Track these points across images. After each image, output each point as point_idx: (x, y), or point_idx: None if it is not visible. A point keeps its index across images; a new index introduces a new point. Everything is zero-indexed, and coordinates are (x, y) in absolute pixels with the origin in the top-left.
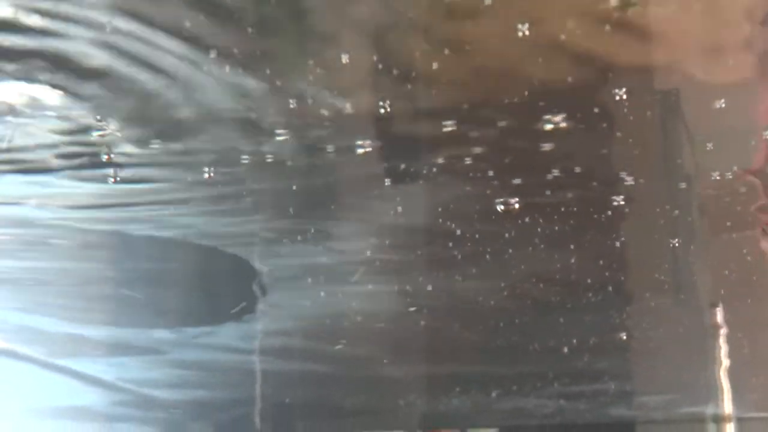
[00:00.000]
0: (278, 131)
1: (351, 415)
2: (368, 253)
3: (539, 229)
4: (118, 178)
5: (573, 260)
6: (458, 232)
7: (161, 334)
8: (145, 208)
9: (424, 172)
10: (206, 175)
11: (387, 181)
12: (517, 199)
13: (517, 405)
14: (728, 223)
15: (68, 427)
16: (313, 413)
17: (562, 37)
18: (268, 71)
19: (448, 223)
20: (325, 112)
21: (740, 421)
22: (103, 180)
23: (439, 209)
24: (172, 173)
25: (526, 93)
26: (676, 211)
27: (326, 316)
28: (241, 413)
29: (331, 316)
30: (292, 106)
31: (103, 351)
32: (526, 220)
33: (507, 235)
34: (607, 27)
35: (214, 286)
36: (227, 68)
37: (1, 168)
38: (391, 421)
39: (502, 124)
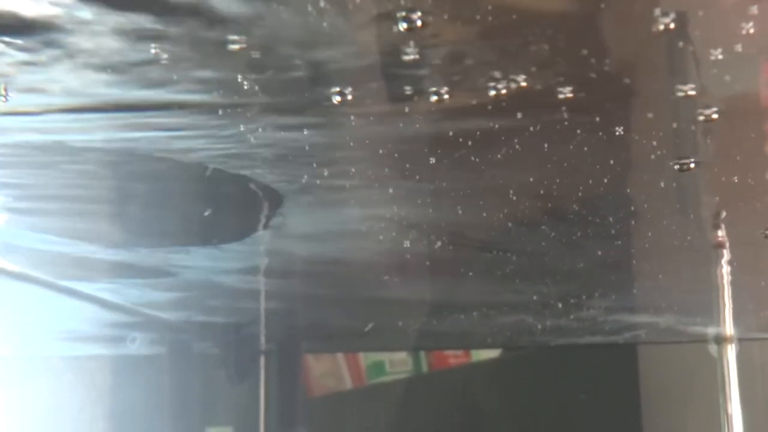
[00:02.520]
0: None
1: (354, 335)
2: (369, 172)
3: (544, 150)
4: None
5: (575, 180)
6: (464, 157)
7: (166, 255)
8: (149, 129)
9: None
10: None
11: (392, 102)
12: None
13: (520, 326)
14: (733, 146)
15: (74, 348)
16: (317, 333)
17: None
18: None
19: (453, 150)
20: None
21: (741, 341)
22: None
23: (449, 132)
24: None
25: None
26: (680, 133)
27: (330, 237)
28: (245, 334)
29: (335, 238)
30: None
31: (108, 272)
32: (528, 140)
33: (510, 152)
34: None
35: (219, 206)
36: None
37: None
38: (394, 342)
39: None
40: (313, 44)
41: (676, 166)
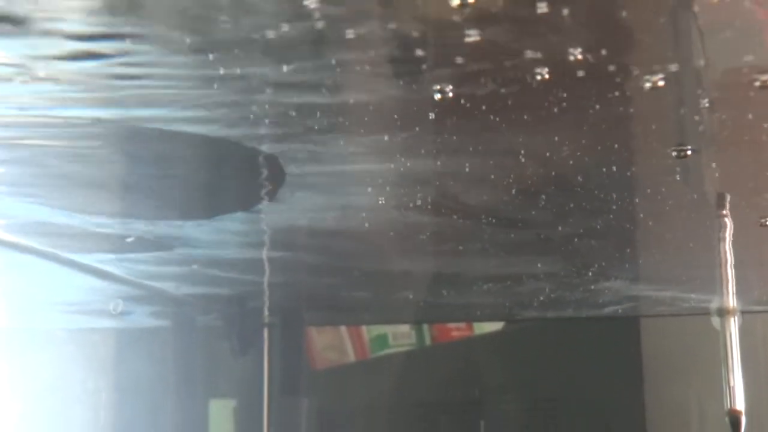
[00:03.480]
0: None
1: (358, 307)
2: (373, 142)
3: (552, 114)
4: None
5: (578, 143)
6: (470, 122)
7: (169, 228)
8: (154, 101)
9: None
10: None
11: (396, 70)
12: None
13: (523, 299)
14: (738, 119)
15: (77, 321)
16: (321, 306)
17: None
18: None
19: (460, 116)
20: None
21: (744, 314)
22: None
23: (455, 97)
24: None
25: None
26: (683, 106)
27: (333, 209)
28: (248, 306)
29: (338, 209)
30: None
31: (111, 245)
32: (536, 104)
33: (517, 117)
34: None
35: (223, 179)
36: None
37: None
38: (397, 314)
39: None
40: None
41: (674, 153)
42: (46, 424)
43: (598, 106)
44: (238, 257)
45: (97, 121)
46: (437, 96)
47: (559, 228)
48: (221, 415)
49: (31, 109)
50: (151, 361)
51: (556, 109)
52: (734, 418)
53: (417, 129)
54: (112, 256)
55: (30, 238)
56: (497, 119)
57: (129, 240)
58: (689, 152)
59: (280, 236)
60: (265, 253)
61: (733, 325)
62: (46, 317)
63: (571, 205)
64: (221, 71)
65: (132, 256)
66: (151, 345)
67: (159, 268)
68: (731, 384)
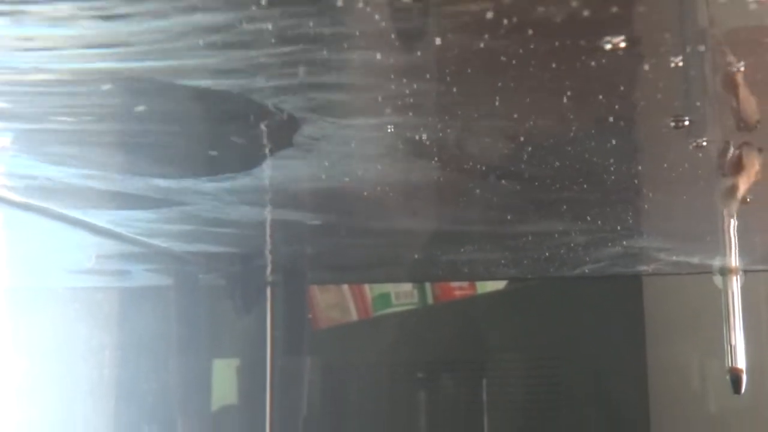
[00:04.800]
0: None
1: (361, 266)
2: (379, 99)
3: (558, 68)
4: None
5: (580, 102)
6: (475, 72)
7: (172, 185)
8: (158, 54)
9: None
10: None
11: (399, 36)
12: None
13: (525, 259)
14: (741, 68)
15: (80, 280)
16: (324, 265)
17: None
18: None
19: (466, 65)
20: None
21: (747, 273)
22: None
23: (462, 45)
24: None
25: None
26: (683, 56)
27: (338, 167)
28: (251, 265)
29: (344, 167)
30: None
31: (114, 203)
32: (531, 68)
33: (514, 85)
34: None
35: (226, 136)
36: None
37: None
38: (401, 273)
39: None
40: None
41: (672, 123)
42: (51, 382)
43: (604, 61)
44: (241, 215)
45: (98, 76)
46: (438, 41)
47: (562, 186)
48: (224, 374)
49: (30, 64)
50: (154, 320)
51: (561, 65)
52: (735, 376)
53: (422, 82)
54: (114, 214)
55: (32, 196)
56: (503, 71)
57: (130, 198)
58: (686, 122)
59: (282, 194)
60: (267, 212)
61: (736, 284)
62: (49, 276)
63: (575, 164)
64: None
65: (134, 214)
66: (155, 304)
67: (161, 226)
68: (732, 343)
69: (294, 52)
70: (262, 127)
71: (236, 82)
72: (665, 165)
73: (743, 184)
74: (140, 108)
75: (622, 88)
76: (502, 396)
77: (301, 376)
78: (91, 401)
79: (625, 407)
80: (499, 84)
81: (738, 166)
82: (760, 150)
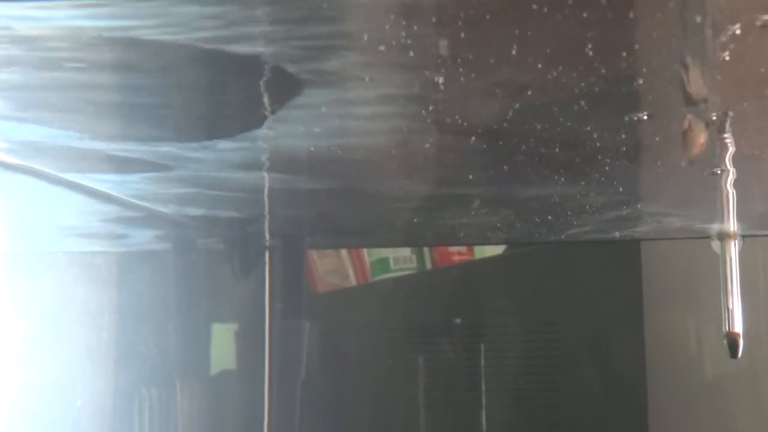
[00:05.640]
0: None
1: (358, 231)
2: (375, 55)
3: (552, 36)
4: None
5: (602, 56)
6: (476, 30)
7: (169, 149)
8: (154, 11)
9: None
10: None
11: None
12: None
13: (524, 224)
14: (741, 39)
15: (76, 244)
16: (322, 229)
17: None
18: None
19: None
20: None
21: (745, 238)
22: None
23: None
24: None
25: None
26: (684, 27)
27: (335, 130)
28: (250, 229)
29: (342, 130)
30: None
31: (111, 166)
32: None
33: (514, 49)
34: None
35: (224, 98)
36: None
37: None
38: (398, 238)
39: None
40: None
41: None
42: (50, 346)
43: (610, 15)
44: (239, 179)
45: (93, 34)
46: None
47: (560, 149)
48: (223, 338)
49: (25, 23)
50: (152, 285)
51: (559, 16)
52: (732, 341)
53: (419, 39)
54: (111, 177)
55: (30, 160)
56: (502, 27)
57: (128, 161)
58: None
59: (280, 158)
60: (265, 176)
61: (734, 249)
62: (47, 241)
63: (573, 125)
64: None
65: (132, 177)
66: (153, 268)
67: (159, 190)
68: (730, 307)
69: (292, 7)
70: (260, 88)
71: (234, 42)
72: (665, 127)
73: (687, 153)
74: (136, 69)
75: (637, 46)
76: (500, 361)
77: (300, 341)
78: (90, 365)
79: (623, 372)
80: (517, 32)
81: (685, 136)
82: (707, 124)
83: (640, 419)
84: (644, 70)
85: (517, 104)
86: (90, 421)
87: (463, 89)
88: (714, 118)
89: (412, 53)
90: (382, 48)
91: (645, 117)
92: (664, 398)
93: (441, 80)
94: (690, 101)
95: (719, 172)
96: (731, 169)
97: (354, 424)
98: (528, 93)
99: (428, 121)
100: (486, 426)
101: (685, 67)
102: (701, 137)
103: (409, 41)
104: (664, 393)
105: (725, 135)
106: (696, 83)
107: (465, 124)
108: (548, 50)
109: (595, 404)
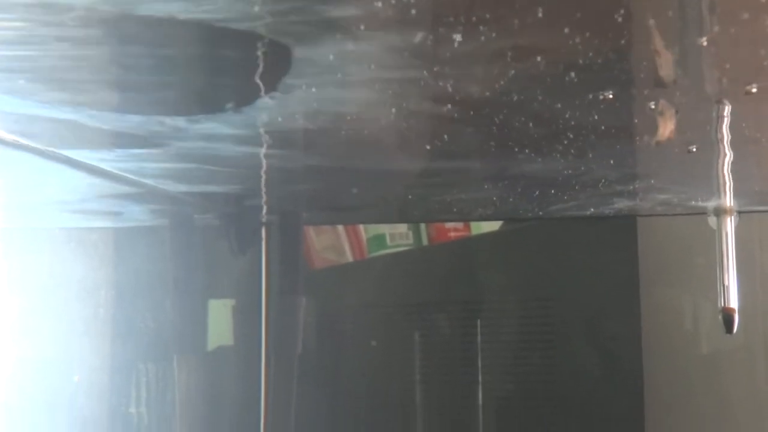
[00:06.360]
0: None
1: (355, 206)
2: (372, 26)
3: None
4: None
5: (577, 28)
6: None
7: (165, 124)
8: None
9: None
10: None
11: None
12: None
13: (521, 199)
14: (739, 15)
15: (72, 219)
16: (318, 205)
17: None
18: None
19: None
20: None
21: (741, 214)
22: None
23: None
24: None
25: None
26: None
27: (332, 106)
28: (246, 205)
29: (338, 107)
30: None
31: (106, 141)
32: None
33: (515, 23)
34: None
35: (220, 72)
36: None
37: None
38: (395, 214)
39: None
40: None
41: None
42: (47, 322)
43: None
44: (235, 154)
45: (91, 8)
46: None
47: (556, 124)
48: (220, 314)
49: None
50: (149, 260)
51: None
52: (728, 316)
53: (419, 13)
54: (108, 153)
55: (26, 136)
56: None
57: (124, 136)
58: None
59: (277, 134)
60: (262, 151)
61: (730, 225)
62: (44, 217)
63: (569, 100)
64: None
65: (129, 152)
66: (150, 244)
67: (155, 165)
68: (726, 283)
69: None
70: (256, 63)
71: (230, 15)
72: (662, 102)
73: (660, 135)
74: (131, 42)
75: (616, 18)
76: (496, 336)
77: (297, 317)
78: (87, 340)
79: (619, 347)
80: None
81: (657, 120)
82: (676, 111)
83: (635, 394)
84: (643, 48)
85: (513, 72)
86: (87, 397)
87: (456, 67)
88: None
89: (413, 11)
90: (378, 4)
91: (638, 94)
92: (660, 373)
93: (436, 57)
94: (661, 83)
95: (716, 150)
96: (728, 147)
97: (350, 399)
98: (537, 59)
99: (425, 96)
100: (482, 401)
101: (659, 50)
102: (670, 123)
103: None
104: (660, 368)
105: (722, 115)
106: (667, 66)
107: (461, 99)
108: (580, 14)
109: (591, 380)
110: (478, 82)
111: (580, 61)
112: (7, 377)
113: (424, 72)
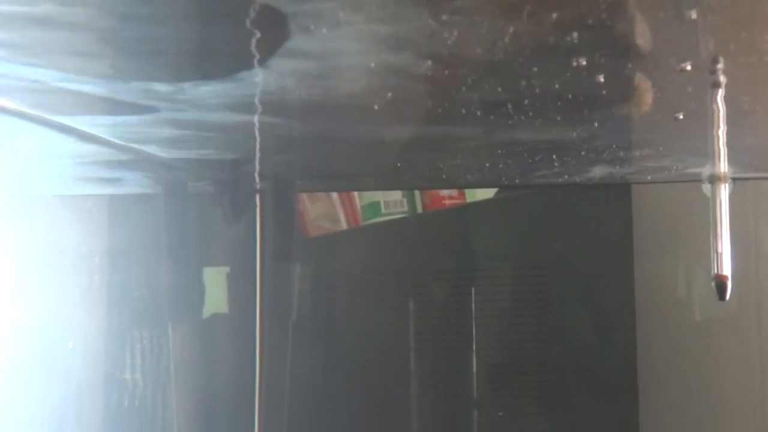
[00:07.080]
0: None
1: (350, 175)
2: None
3: None
4: None
5: (575, 21)
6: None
7: (159, 90)
8: None
9: None
10: None
11: None
12: None
13: (515, 167)
14: None
15: (67, 187)
16: (313, 172)
17: None
18: None
19: None
20: None
21: (736, 181)
22: None
23: None
24: None
25: None
26: None
27: (327, 72)
28: (241, 172)
29: (332, 73)
30: None
31: (100, 107)
32: None
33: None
34: None
35: (214, 38)
36: None
37: None
38: (389, 182)
39: None
40: None
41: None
42: (42, 289)
43: None
44: (229, 121)
45: None
46: None
47: (551, 90)
48: (214, 281)
49: None
50: (144, 228)
51: None
52: (721, 283)
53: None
54: (102, 119)
55: (19, 102)
56: None
57: (117, 103)
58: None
59: (271, 101)
60: (256, 118)
61: (724, 192)
62: (38, 184)
63: (568, 65)
64: None
65: (122, 119)
66: (144, 211)
67: (149, 132)
68: (719, 250)
69: None
70: (251, 28)
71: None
72: (657, 71)
73: (635, 109)
74: (125, 7)
75: None
76: (490, 304)
77: (291, 284)
78: (82, 307)
79: (612, 315)
80: None
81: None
82: (653, 84)
83: (628, 362)
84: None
85: (507, 39)
86: (81, 363)
87: (451, 34)
88: (688, 68)
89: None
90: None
91: (633, 62)
92: (653, 341)
93: (430, 25)
94: (639, 53)
95: (710, 118)
96: (723, 109)
97: (344, 366)
98: (506, 42)
99: (419, 63)
100: (476, 369)
101: (634, 18)
102: (648, 96)
103: None
104: (653, 336)
105: (716, 79)
106: (645, 36)
107: (456, 66)
108: None
109: (585, 348)
110: (472, 50)
111: (575, 23)
112: (2, 344)
113: (421, 25)
